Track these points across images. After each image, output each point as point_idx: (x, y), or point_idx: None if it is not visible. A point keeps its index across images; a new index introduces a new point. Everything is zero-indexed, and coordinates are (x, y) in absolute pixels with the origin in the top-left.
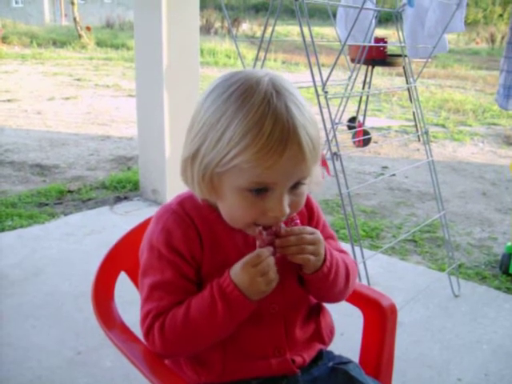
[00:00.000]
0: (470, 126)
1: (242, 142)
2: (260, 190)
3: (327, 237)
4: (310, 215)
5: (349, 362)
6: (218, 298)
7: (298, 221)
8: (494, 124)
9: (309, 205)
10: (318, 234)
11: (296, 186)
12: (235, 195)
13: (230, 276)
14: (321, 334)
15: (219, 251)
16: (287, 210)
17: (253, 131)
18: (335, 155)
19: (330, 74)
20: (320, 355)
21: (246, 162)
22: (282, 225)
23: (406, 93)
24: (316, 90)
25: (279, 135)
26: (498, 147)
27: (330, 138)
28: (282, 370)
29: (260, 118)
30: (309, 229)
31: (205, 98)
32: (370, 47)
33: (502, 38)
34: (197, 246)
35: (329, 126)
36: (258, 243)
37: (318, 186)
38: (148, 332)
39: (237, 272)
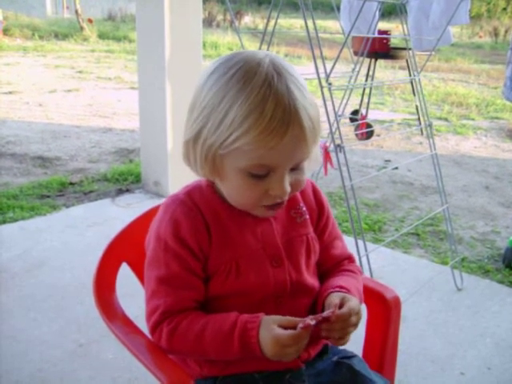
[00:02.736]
0: (473, 119)
1: (244, 124)
2: (261, 174)
3: (335, 238)
4: (319, 211)
5: (353, 356)
6: (238, 340)
7: (308, 216)
8: (497, 118)
9: (318, 199)
10: (361, 311)
11: (296, 165)
12: (237, 176)
13: (258, 332)
14: None
15: (227, 245)
16: (288, 189)
17: (254, 113)
18: (338, 147)
19: (334, 65)
20: (325, 350)
21: (247, 144)
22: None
23: (409, 86)
24: (320, 82)
25: (281, 117)
26: (501, 141)
27: (334, 131)
28: (286, 364)
29: (261, 100)
30: (356, 309)
31: (206, 80)
32: (374, 40)
33: (506, 31)
34: (205, 237)
35: (332, 118)
36: (300, 325)
37: (316, 163)
38: (155, 328)
39: (266, 340)
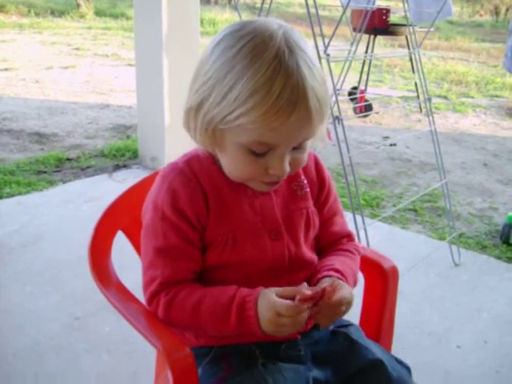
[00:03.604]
0: (472, 97)
1: (249, 101)
2: (261, 152)
3: (335, 213)
4: (320, 185)
5: (349, 324)
6: (235, 314)
7: (308, 189)
8: (497, 96)
9: (320, 174)
10: (352, 300)
11: (299, 145)
12: (237, 151)
13: (255, 303)
14: None
15: (225, 216)
16: (288, 168)
17: (261, 91)
18: (337, 119)
19: (332, 36)
20: None
21: (251, 123)
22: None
23: (408, 64)
24: (318, 54)
25: (288, 97)
26: (501, 119)
27: (332, 104)
28: (282, 337)
29: (270, 77)
30: (348, 298)
31: (212, 48)
32: (373, 16)
33: (507, 10)
34: (202, 207)
35: (330, 91)
36: (298, 297)
37: (322, 142)
38: (152, 298)
39: (263, 308)
